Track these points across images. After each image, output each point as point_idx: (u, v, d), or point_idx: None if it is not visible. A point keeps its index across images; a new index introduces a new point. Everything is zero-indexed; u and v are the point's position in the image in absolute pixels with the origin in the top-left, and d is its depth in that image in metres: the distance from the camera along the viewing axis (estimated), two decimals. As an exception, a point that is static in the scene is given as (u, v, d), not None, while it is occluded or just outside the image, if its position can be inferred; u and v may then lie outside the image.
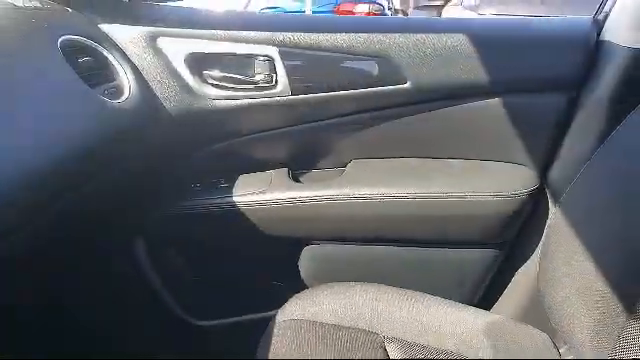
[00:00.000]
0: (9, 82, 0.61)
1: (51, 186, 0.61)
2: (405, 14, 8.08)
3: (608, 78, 0.82)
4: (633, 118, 0.69)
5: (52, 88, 0.67)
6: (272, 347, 0.73)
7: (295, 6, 5.02)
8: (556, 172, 0.89)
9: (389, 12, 5.88)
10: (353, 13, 5.15)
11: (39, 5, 0.77)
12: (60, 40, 0.72)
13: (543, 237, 0.80)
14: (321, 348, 0.72)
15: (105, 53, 0.80)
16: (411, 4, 7.61)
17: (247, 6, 4.48)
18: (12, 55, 0.65)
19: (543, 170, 0.90)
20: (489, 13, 4.47)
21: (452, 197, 0.88)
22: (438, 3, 7.30)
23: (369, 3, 5.16)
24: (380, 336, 0.75)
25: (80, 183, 0.68)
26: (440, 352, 0.73)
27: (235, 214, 0.92)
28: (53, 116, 0.64)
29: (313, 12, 4.83)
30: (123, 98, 0.78)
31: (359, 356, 0.72)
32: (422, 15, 7.78)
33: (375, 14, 5.28)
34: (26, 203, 0.57)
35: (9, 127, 0.57)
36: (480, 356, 0.74)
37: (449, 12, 5.41)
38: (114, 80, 0.80)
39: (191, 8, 0.90)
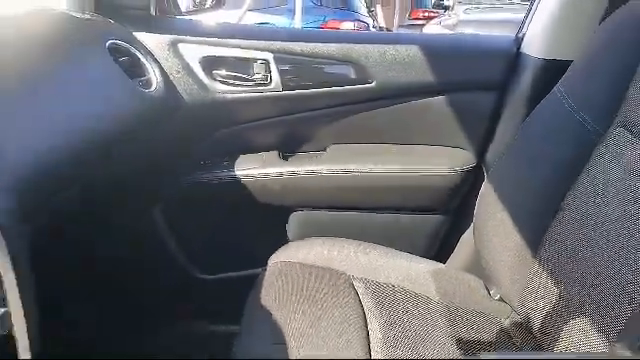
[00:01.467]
0: (72, 74, 0.83)
1: (106, 145, 0.82)
2: (389, 31, 8.38)
3: (525, 81, 1.06)
4: (540, 109, 0.93)
5: (104, 78, 0.89)
6: (265, 279, 0.94)
7: (285, 22, 5.28)
8: (489, 154, 1.13)
9: (373, 30, 6.16)
10: (340, 29, 5.42)
11: (90, 17, 0.99)
12: (107, 43, 0.95)
13: (477, 204, 1.03)
14: (302, 280, 0.94)
15: (138, 54, 1.02)
16: (395, 23, 7.93)
17: (240, 21, 4.72)
18: (74, 52, 0.87)
19: (479, 152, 1.14)
20: (465, 32, 4.78)
21: (407, 173, 1.12)
22: (420, 22, 7.63)
23: (354, 21, 5.44)
24: (349, 275, 0.96)
25: (120, 147, 0.89)
26: (393, 287, 0.94)
27: (236, 185, 1.14)
28: (105, 98, 0.86)
29: (303, 28, 5.08)
30: (152, 89, 1.01)
31: (334, 288, 0.93)
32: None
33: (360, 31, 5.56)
34: (88, 157, 0.78)
35: (75, 107, 0.79)
36: (424, 291, 0.96)
37: (430, 30, 5.73)
38: (145, 75, 1.02)
39: (204, 21, 1.13)
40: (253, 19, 5.10)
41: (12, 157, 0.56)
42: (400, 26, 8.11)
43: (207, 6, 1.28)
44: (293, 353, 0.76)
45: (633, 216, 0.62)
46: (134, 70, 0.99)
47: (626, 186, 0.66)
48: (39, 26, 0.85)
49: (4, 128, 0.59)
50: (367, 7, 6.51)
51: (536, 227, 0.80)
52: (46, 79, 0.75)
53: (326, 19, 5.38)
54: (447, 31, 5.04)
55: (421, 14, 8.25)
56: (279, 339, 0.80)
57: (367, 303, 0.89)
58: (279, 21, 5.32)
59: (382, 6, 8.43)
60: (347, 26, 5.40)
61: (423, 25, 6.98)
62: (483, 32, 4.42)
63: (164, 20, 1.12)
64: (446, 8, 6.51)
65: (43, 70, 0.77)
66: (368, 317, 0.87)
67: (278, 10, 5.40)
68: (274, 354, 0.78)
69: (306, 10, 5.10)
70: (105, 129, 0.82)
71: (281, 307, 0.86)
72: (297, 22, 5.00)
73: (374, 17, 7.06)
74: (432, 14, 7.91)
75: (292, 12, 5.13)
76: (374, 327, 0.84)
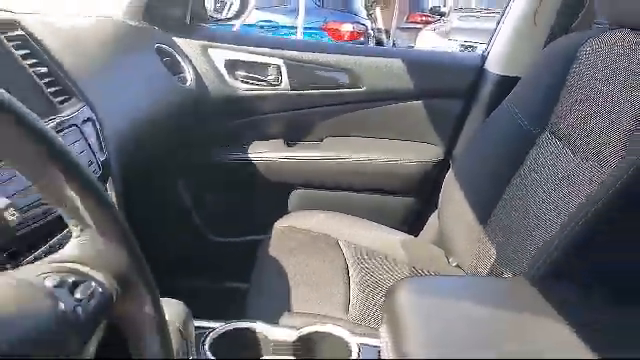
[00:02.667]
0: (134, 69, 1.08)
1: (154, 125, 1.06)
2: (387, 33, 8.61)
3: (485, 92, 1.31)
4: (494, 115, 1.18)
5: (154, 74, 1.13)
6: (270, 241, 1.19)
7: (288, 21, 5.50)
8: (455, 150, 1.38)
9: (371, 32, 6.39)
10: (339, 30, 5.64)
11: (141, 25, 1.22)
12: (155, 46, 1.19)
13: (442, 190, 1.28)
14: (300, 242, 1.18)
15: (177, 56, 1.26)
16: (394, 25, 8.16)
17: (245, 19, 4.93)
18: (133, 53, 1.11)
19: (447, 148, 1.39)
20: (458, 39, 5.01)
21: (387, 162, 1.37)
22: (418, 26, 7.86)
23: (353, 23, 5.67)
24: (336, 239, 1.21)
25: (161, 128, 1.13)
26: (371, 250, 1.18)
27: (248, 165, 1.39)
28: (155, 89, 1.10)
29: (304, 28, 5.30)
30: (187, 84, 1.25)
31: (325, 248, 1.17)
32: (403, 35, 8.34)
33: (359, 33, 5.79)
34: (148, 130, 1.02)
35: (129, 96, 1.02)
36: (393, 255, 1.18)
37: (424, 36, 5.97)
38: (182, 73, 1.26)
39: (230, 31, 1.37)
40: (258, 17, 5.32)
41: (113, 127, 0.81)
42: (398, 28, 8.34)
43: (230, 16, 1.52)
44: (292, 300, 0.99)
45: (556, 196, 0.86)
46: (174, 68, 1.24)
47: (550, 176, 0.90)
48: (108, 31, 1.09)
49: (105, 109, 0.83)
50: (366, 10, 6.75)
51: (485, 208, 1.03)
52: (119, 73, 0.99)
53: (326, 20, 5.60)
54: (440, 38, 5.27)
55: (419, 18, 8.48)
56: (282, 290, 1.03)
57: (349, 260, 1.14)
58: (282, 20, 5.54)
59: (381, 9, 8.66)
60: (346, 27, 5.63)
61: (420, 29, 7.19)
62: (475, 40, 4.65)
63: (197, 28, 1.36)
64: (442, 14, 6.74)
65: (115, 65, 1.01)
66: (350, 271, 1.11)
67: (281, 9, 5.62)
68: (280, 303, 1.00)
69: (308, 11, 5.32)
70: (155, 112, 1.07)
71: (284, 263, 1.10)
72: (300, 22, 5.23)
73: (373, 19, 7.30)
74: (429, 18, 8.14)
75: (294, 12, 5.35)
76: (354, 278, 1.08)
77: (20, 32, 0.72)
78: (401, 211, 1.44)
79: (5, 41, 0.67)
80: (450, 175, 1.23)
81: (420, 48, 5.55)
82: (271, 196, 1.44)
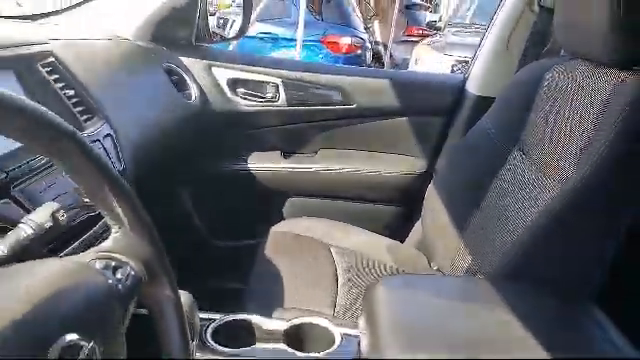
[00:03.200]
0: (141, 88, 1.18)
1: (162, 138, 1.17)
2: (385, 46, 8.75)
3: (465, 110, 1.43)
4: (472, 132, 1.29)
5: (163, 91, 1.24)
6: (267, 245, 1.29)
7: (288, 34, 5.63)
8: (437, 163, 1.49)
9: (369, 45, 6.53)
10: (338, 43, 5.78)
11: (149, 46, 1.34)
12: (164, 65, 1.30)
13: (425, 199, 1.38)
14: (293, 246, 1.28)
15: (183, 74, 1.37)
16: (391, 38, 8.31)
17: (232, 26, 5.05)
18: (141, 72, 1.22)
19: (430, 161, 1.50)
20: (453, 54, 5.13)
21: (375, 173, 1.49)
22: (414, 39, 8.02)
23: (351, 36, 5.81)
24: (327, 243, 1.31)
25: (168, 140, 1.23)
26: (360, 253, 1.28)
27: (248, 175, 1.50)
28: (163, 104, 1.21)
29: (303, 40, 5.42)
30: (192, 100, 1.36)
31: (316, 252, 1.27)
32: (400, 48, 8.48)
33: (357, 46, 5.93)
34: (157, 141, 1.12)
35: (140, 112, 1.13)
36: (380, 259, 1.28)
37: (420, 50, 6.10)
38: (187, 90, 1.37)
39: (232, 50, 1.48)
40: (259, 28, 5.45)
41: (127, 140, 0.91)
42: (395, 41, 8.48)
43: (230, 37, 1.64)
44: (285, 297, 1.09)
45: (521, 205, 0.96)
46: (180, 85, 1.35)
47: (517, 187, 1.00)
48: (122, 52, 1.20)
49: (120, 124, 0.94)
50: (364, 23, 6.90)
51: (463, 216, 1.14)
52: (132, 90, 1.10)
53: (325, 33, 5.74)
54: (435, 52, 5.40)
55: (415, 31, 8.63)
56: (276, 288, 1.13)
57: (338, 262, 1.24)
58: (282, 32, 5.68)
59: (380, 22, 8.82)
60: (345, 41, 5.77)
61: (417, 42, 7.33)
62: (469, 54, 4.77)
63: (201, 48, 1.47)
64: (438, 29, 6.88)
65: (128, 83, 1.12)
66: (338, 271, 1.21)
67: (282, 22, 5.76)
68: (274, 300, 1.09)
69: (307, 24, 5.44)
70: (163, 125, 1.18)
71: (279, 265, 1.20)
72: (299, 34, 5.35)
73: (371, 33, 7.45)
74: (426, 32, 8.30)
75: (294, 25, 5.48)
76: (342, 279, 1.18)
77: (51, 59, 0.83)
78: (388, 218, 1.54)
79: (41, 69, 0.78)
80: (432, 186, 1.33)
81: (415, 61, 5.69)
82: (268, 203, 1.54)
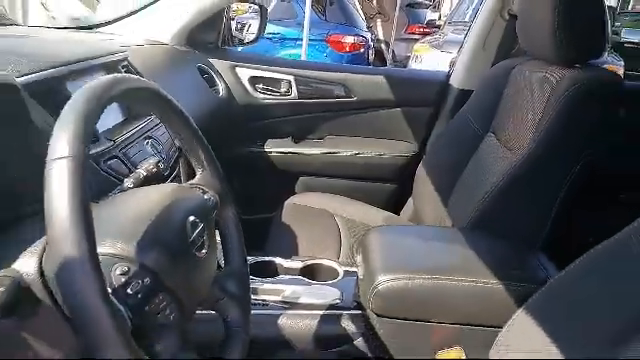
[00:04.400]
0: (180, 84, 1.43)
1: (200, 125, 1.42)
2: (387, 44, 8.96)
3: (449, 102, 1.67)
4: (454, 120, 1.53)
5: (197, 87, 1.49)
6: (281, 215, 1.54)
7: (294, 33, 5.87)
8: (427, 146, 1.74)
9: (372, 43, 6.75)
10: (341, 42, 6.01)
11: (185, 49, 1.59)
12: (197, 65, 1.55)
13: (415, 178, 1.63)
14: (304, 216, 1.53)
15: (212, 73, 1.62)
16: (392, 36, 8.54)
17: (248, 29, 5.27)
18: (181, 71, 1.48)
19: (420, 145, 1.75)
20: (451, 52, 5.35)
21: (374, 155, 1.73)
22: (415, 37, 8.22)
23: (354, 35, 6.05)
24: (332, 214, 1.56)
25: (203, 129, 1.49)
26: (360, 222, 1.53)
27: (264, 158, 1.75)
28: (197, 99, 1.46)
29: (309, 39, 5.65)
30: (220, 95, 1.61)
31: (323, 220, 1.52)
32: (402, 45, 8.69)
33: (359, 44, 6.15)
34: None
35: (184, 104, 1.38)
36: (374, 225, 1.53)
37: (420, 47, 6.31)
38: (215, 86, 1.62)
39: (253, 52, 1.73)
40: (267, 29, 5.68)
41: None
42: (397, 39, 8.69)
43: (248, 40, 1.89)
44: (301, 252, 1.33)
45: (490, 174, 1.19)
46: (210, 83, 1.60)
47: (489, 161, 1.24)
48: (166, 55, 1.46)
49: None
50: (367, 22, 7.12)
51: (446, 189, 1.37)
52: (174, 86, 1.35)
53: (330, 32, 5.97)
54: (434, 49, 5.62)
55: (416, 29, 8.83)
56: (290, 249, 1.38)
57: (342, 229, 1.49)
58: (289, 32, 5.92)
59: (382, 21, 9.05)
60: (348, 39, 6.00)
61: (417, 39, 7.53)
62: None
63: (226, 50, 1.73)
64: (437, 27, 7.09)
65: (171, 80, 1.37)
66: (342, 236, 1.46)
67: (288, 22, 6.00)
68: (291, 254, 1.34)
69: (313, 24, 5.67)
70: (198, 116, 1.42)
71: (292, 231, 1.45)
72: (305, 34, 5.58)
73: (373, 31, 7.67)
74: (427, 30, 8.51)
75: (300, 25, 5.71)
76: (344, 241, 1.43)
77: (125, 62, 1.08)
78: (384, 194, 1.80)
79: (121, 69, 1.03)
80: (422, 166, 1.58)
81: (415, 58, 5.91)
82: (282, 182, 1.80)
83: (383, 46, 8.86)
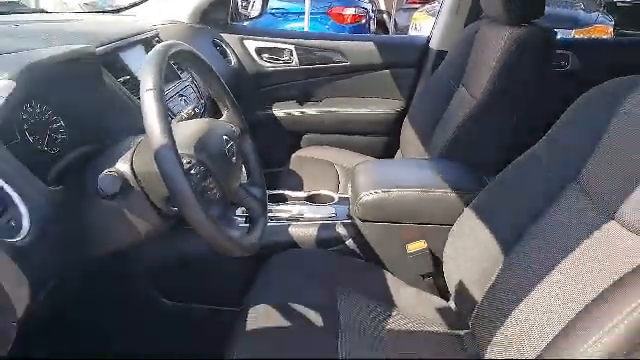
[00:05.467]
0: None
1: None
2: (389, 14, 9.05)
3: (429, 62, 1.92)
4: (432, 77, 1.79)
5: (213, 59, 1.76)
6: (290, 165, 1.82)
7: (296, 7, 6.04)
8: (411, 101, 1.99)
9: (372, 14, 6.89)
10: (342, 14, 6.18)
11: (200, 26, 1.85)
12: (211, 40, 1.81)
13: (402, 128, 1.89)
14: (309, 164, 1.81)
15: (224, 46, 1.89)
16: (394, 7, 8.62)
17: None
18: (198, 45, 1.74)
19: (407, 100, 2.00)
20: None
21: (366, 112, 2.00)
22: (416, 6, 8.31)
23: (355, 7, 6.20)
24: (333, 163, 1.84)
25: None
26: (351, 168, 1.81)
27: (271, 119, 2.02)
28: (215, 68, 1.73)
29: (311, 13, 5.83)
30: (232, 65, 1.88)
31: (324, 167, 1.80)
32: (404, 15, 8.78)
33: (360, 15, 6.31)
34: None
35: None
36: None
37: (419, 16, 6.45)
38: (228, 57, 1.89)
39: (256, 26, 1.99)
40: (270, 4, 5.86)
41: (200, 90, 1.45)
42: (398, 9, 8.77)
43: (254, 15, 2.14)
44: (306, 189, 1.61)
45: (458, 116, 1.48)
46: (223, 54, 1.86)
47: (459, 109, 1.50)
48: (188, 32, 1.72)
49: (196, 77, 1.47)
50: (367, -7, 7.22)
51: (427, 136, 1.63)
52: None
53: (331, 5, 6.13)
54: (432, 18, 5.76)
55: (417, -1, 8.90)
56: (298, 188, 1.66)
57: (340, 175, 1.76)
58: (292, 6, 6.09)
59: (383, -9, 9.11)
60: (349, 11, 6.16)
61: (417, 8, 7.62)
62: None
63: (235, 25, 1.98)
64: (436, -5, 7.18)
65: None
66: (339, 178, 1.74)
67: (291, -4, 6.17)
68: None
69: (314, -3, 5.84)
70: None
71: (299, 177, 1.73)
72: (307, 8, 5.77)
73: (374, 3, 7.77)
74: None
75: (303, -1, 5.89)
76: (342, 182, 1.71)
77: (157, 38, 1.36)
78: (375, 146, 2.07)
79: (155, 44, 1.31)
80: (407, 120, 1.85)
81: (414, 26, 6.07)
82: (289, 139, 2.08)
83: (385, 16, 8.95)
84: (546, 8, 1.40)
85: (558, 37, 1.53)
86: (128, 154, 0.80)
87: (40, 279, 0.65)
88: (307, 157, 1.87)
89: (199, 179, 0.75)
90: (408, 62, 1.97)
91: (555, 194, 0.84)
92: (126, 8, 1.87)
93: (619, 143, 0.76)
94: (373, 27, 7.01)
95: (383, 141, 2.07)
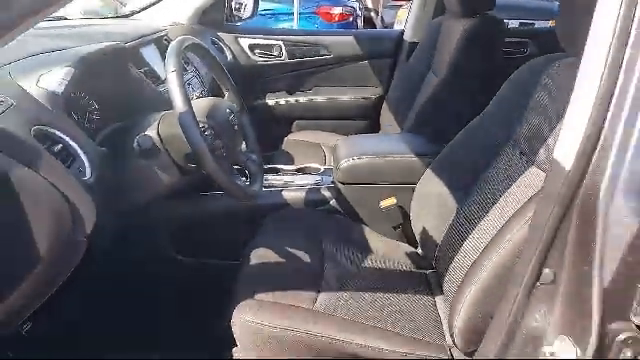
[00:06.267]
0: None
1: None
2: (376, 12, 9.29)
3: (403, 52, 2.16)
4: (406, 65, 2.02)
5: (211, 55, 1.99)
6: (282, 148, 2.05)
7: (286, 8, 6.26)
8: (389, 89, 2.23)
9: (359, 12, 7.12)
10: (330, 13, 6.40)
11: (199, 27, 2.07)
12: (209, 39, 2.04)
13: (381, 114, 2.12)
14: (299, 146, 2.04)
15: (221, 44, 2.11)
16: (381, 4, 8.86)
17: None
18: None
19: (385, 88, 2.24)
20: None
21: (349, 99, 2.24)
22: (401, 3, 8.55)
23: (342, 6, 6.43)
24: (318, 143, 2.07)
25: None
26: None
27: (265, 107, 2.26)
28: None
29: (300, 13, 6.05)
30: (228, 60, 2.11)
31: (312, 148, 2.03)
32: (391, 13, 9.02)
33: (347, 14, 6.54)
34: (210, 88, 1.89)
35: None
36: None
37: (402, 13, 6.68)
38: (224, 53, 2.11)
39: (252, 26, 2.22)
40: (261, 7, 6.07)
41: (204, 82, 1.69)
42: (385, 7, 9.01)
43: (246, 17, 2.37)
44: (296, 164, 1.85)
45: (427, 94, 1.72)
46: (220, 51, 2.09)
47: (430, 88, 1.74)
48: (184, 31, 1.95)
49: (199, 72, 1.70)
50: (354, -7, 7.45)
51: (402, 117, 1.88)
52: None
53: (319, 4, 6.36)
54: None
55: (404, -4, 9.14)
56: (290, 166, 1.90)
57: (325, 152, 1.99)
58: (281, 8, 6.31)
59: (370, -11, 9.35)
60: (336, 10, 6.38)
61: (401, 6, 7.85)
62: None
63: (230, 25, 2.21)
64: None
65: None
66: (325, 155, 1.96)
67: (280, -3, 6.39)
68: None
69: (303, -2, 6.07)
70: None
71: (290, 156, 1.96)
72: (295, 8, 5.99)
73: (361, 0, 8.00)
74: (413, -5, 8.79)
75: (292, 0, 6.11)
76: (327, 159, 1.94)
77: (166, 37, 1.59)
78: (358, 129, 2.30)
79: (165, 42, 1.54)
80: (385, 105, 2.09)
81: (398, 22, 6.30)
82: (280, 124, 2.31)
83: (372, 14, 9.19)
84: (527, 2, 1.64)
85: (521, 28, 1.77)
86: (155, 124, 1.03)
87: (97, 214, 0.88)
88: (297, 140, 2.10)
89: (211, 139, 0.99)
90: (385, 53, 2.21)
91: (494, 152, 1.06)
92: (133, 13, 2.09)
93: (539, 107, 0.94)
94: (360, 24, 7.24)
95: (365, 124, 2.30)
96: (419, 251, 1.34)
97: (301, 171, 1.61)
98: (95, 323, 1.27)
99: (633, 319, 0.62)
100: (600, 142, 0.59)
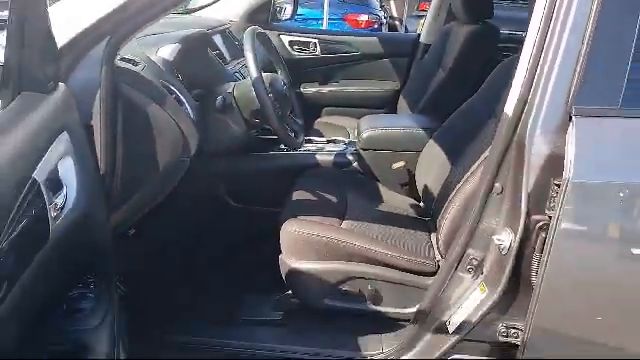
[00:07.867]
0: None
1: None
2: (400, 21, 9.61)
3: (419, 52, 2.50)
4: (421, 63, 2.36)
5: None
6: (313, 128, 2.41)
7: (316, 13, 6.64)
8: (405, 84, 2.56)
9: (384, 20, 7.47)
10: (357, 20, 6.77)
11: (247, 24, 2.45)
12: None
13: (398, 103, 2.46)
14: (328, 127, 2.39)
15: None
16: (405, 13, 9.18)
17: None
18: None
19: (402, 83, 2.58)
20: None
21: (372, 91, 2.59)
22: (424, 13, 8.85)
23: (368, 14, 6.80)
24: (343, 126, 2.42)
25: None
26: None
27: (300, 96, 2.62)
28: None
29: (328, 18, 6.42)
30: (271, 53, 2.48)
31: (339, 130, 2.38)
32: (414, 22, 9.33)
33: (373, 21, 6.90)
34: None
35: None
36: None
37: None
38: (268, 47, 2.49)
39: (289, 25, 2.60)
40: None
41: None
42: (409, 16, 9.32)
43: (286, 18, 2.74)
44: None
45: (426, 84, 2.06)
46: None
47: (435, 83, 2.07)
48: (237, 27, 2.32)
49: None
50: (380, 2, 7.81)
51: (414, 106, 2.22)
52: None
53: (346, 12, 6.73)
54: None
55: (427, 7, 9.42)
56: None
57: (350, 133, 2.34)
58: (312, 13, 6.69)
59: (395, 0, 9.69)
60: (362, 17, 6.75)
61: (424, 16, 8.14)
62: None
63: (274, 24, 2.59)
64: (443, 3, 7.69)
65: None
66: (349, 136, 2.31)
67: (310, 4, 6.76)
68: None
69: (332, 5, 6.44)
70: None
71: (321, 136, 2.31)
72: (325, 14, 6.37)
73: (386, 10, 8.35)
74: (436, 6, 9.08)
75: (321, 6, 6.48)
76: (350, 138, 2.29)
77: (229, 30, 1.97)
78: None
79: (227, 34, 1.92)
80: (402, 95, 2.43)
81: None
82: (312, 109, 2.66)
83: (397, 23, 9.53)
84: (519, 14, 1.96)
85: (511, 35, 2.10)
86: (230, 89, 1.40)
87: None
88: (327, 122, 2.46)
89: (272, 101, 1.35)
90: (403, 52, 2.55)
91: (481, 125, 1.39)
92: (195, 10, 2.49)
93: None
94: (385, 31, 7.58)
95: (384, 112, 2.64)
96: (421, 204, 1.68)
97: (331, 142, 1.96)
98: (170, 241, 1.63)
99: (547, 212, 0.96)
100: (528, 101, 0.93)
